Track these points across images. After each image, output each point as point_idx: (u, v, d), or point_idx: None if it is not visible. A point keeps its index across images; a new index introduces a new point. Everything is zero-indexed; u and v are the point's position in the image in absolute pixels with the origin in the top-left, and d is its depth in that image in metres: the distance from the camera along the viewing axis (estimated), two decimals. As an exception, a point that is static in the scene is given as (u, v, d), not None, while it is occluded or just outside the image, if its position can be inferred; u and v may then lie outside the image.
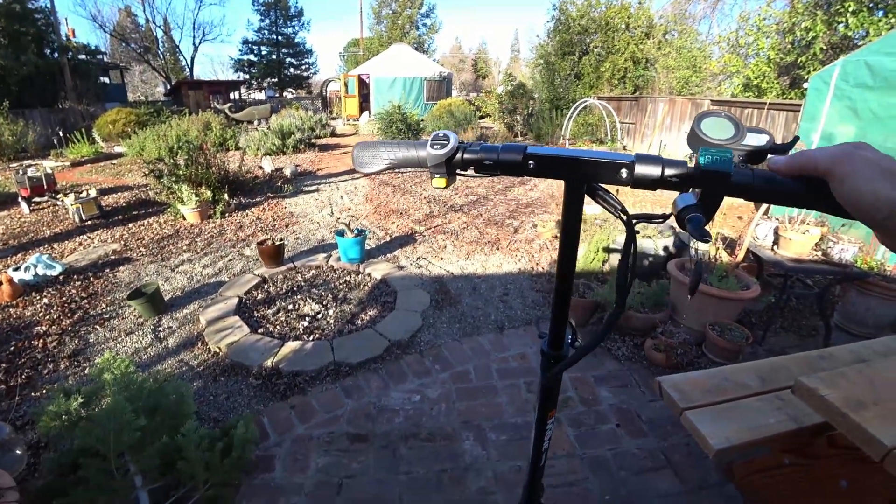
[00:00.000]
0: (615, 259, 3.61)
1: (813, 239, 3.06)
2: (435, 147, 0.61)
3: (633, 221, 0.61)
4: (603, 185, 0.61)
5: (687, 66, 12.06)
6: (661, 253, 3.55)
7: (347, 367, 2.70)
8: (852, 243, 3.04)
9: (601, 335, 0.69)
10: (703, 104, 7.87)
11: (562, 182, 0.63)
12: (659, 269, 3.54)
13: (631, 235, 0.62)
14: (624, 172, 0.54)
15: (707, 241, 0.48)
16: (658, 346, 2.70)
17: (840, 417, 1.02)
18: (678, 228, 3.79)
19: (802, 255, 3.04)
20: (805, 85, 5.30)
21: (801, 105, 5.04)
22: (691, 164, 0.52)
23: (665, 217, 0.59)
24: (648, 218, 0.60)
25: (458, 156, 0.61)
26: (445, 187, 0.62)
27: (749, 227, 3.35)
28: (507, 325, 3.20)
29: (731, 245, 3.59)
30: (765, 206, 3.25)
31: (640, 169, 0.54)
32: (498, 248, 4.57)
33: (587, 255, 3.84)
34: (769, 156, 0.50)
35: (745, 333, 2.66)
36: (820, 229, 3.14)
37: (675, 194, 0.52)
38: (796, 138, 0.51)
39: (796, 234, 3.01)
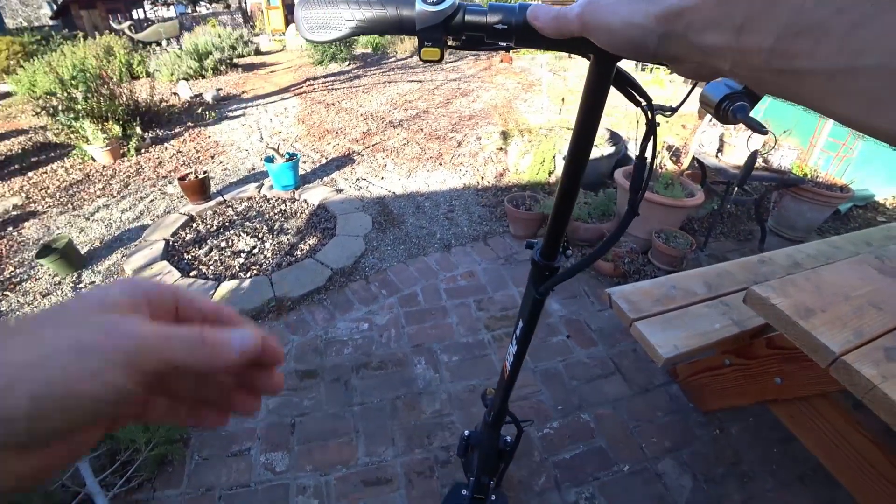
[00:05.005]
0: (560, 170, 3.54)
1: (755, 145, 3.07)
2: (429, 2, 0.43)
3: (656, 112, 0.51)
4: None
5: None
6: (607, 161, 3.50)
7: (290, 301, 2.56)
8: (791, 150, 3.09)
9: (608, 243, 0.63)
10: None
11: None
12: (605, 179, 3.51)
13: (652, 127, 0.53)
14: None
15: (765, 133, 0.42)
16: (606, 256, 2.71)
17: (791, 326, 1.01)
18: (626, 136, 3.74)
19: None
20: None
21: None
22: None
23: (674, 110, 0.52)
24: (663, 109, 0.52)
25: (459, 17, 0.44)
26: (439, 60, 0.45)
27: (694, 135, 3.33)
28: (454, 243, 3.12)
29: (676, 153, 3.58)
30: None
31: None
32: (441, 164, 4.37)
33: (533, 167, 3.75)
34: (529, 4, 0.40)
35: (689, 240, 2.70)
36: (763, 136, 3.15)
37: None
38: None
39: (740, 141, 3.01)
